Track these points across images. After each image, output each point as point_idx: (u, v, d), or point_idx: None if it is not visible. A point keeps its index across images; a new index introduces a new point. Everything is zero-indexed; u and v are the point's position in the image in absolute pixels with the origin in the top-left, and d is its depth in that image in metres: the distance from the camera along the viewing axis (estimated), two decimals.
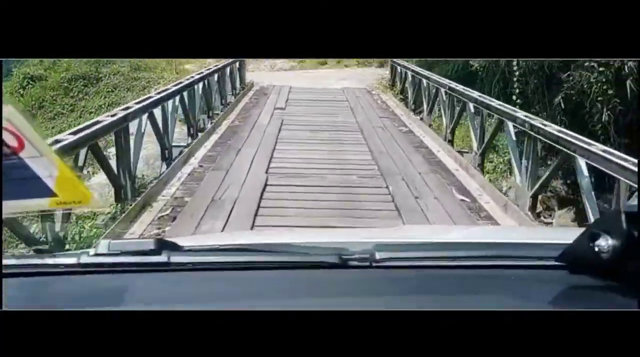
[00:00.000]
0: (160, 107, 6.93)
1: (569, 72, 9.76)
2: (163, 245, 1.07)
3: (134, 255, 1.04)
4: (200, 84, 9.29)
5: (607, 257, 0.86)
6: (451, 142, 8.62)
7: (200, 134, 8.55)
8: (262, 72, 17.50)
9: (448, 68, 12.18)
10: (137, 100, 6.57)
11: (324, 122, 10.43)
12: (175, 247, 1.09)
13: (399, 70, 13.97)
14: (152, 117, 6.53)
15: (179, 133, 8.19)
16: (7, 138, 0.69)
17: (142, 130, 6.23)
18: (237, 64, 13.29)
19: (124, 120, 5.52)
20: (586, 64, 9.43)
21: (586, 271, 0.95)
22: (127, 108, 5.91)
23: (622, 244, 0.84)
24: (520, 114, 6.25)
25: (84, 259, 1.03)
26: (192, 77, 9.16)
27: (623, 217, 0.83)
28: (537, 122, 5.74)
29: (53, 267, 1.04)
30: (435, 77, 10.29)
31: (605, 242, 0.86)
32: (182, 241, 1.21)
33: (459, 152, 8.12)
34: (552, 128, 5.44)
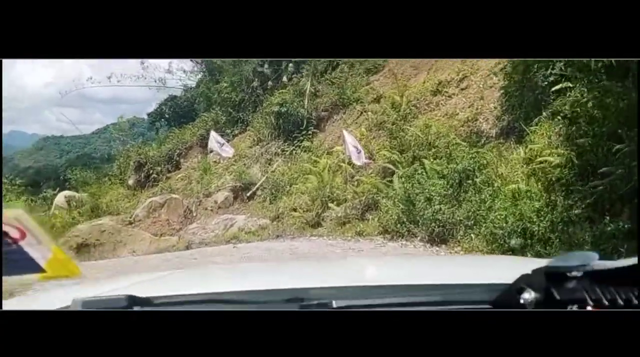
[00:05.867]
0: None
1: None
2: (134, 300, 0.99)
3: (106, 311, 0.96)
4: None
5: (530, 307, 0.87)
6: None
7: None
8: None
9: None
10: None
11: None
12: (146, 302, 1.02)
13: None
14: None
15: None
16: (11, 231, 0.80)
17: None
18: None
19: None
20: None
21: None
22: None
23: (541, 298, 0.86)
24: None
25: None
26: None
27: (544, 275, 0.86)
28: None
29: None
30: None
31: (528, 296, 0.88)
32: (152, 291, 1.15)
33: None
34: None
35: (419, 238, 7.81)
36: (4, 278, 0.82)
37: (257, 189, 13.53)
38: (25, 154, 62.08)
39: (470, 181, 7.75)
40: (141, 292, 1.05)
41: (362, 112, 13.66)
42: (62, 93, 22.71)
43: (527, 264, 1.04)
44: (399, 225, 8.24)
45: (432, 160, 9.23)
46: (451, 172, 7.91)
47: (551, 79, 8.50)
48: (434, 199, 7.73)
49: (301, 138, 14.18)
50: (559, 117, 7.19)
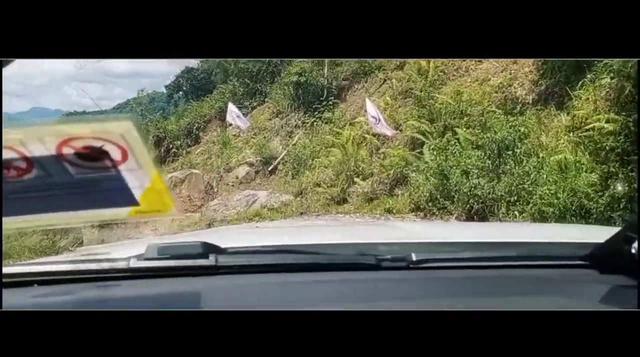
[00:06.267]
0: None
1: None
2: (210, 248, 0.95)
3: (182, 258, 0.94)
4: None
5: None
6: None
7: None
8: None
9: None
10: None
11: None
12: (221, 250, 0.97)
13: None
14: None
15: None
16: (112, 151, 0.65)
17: None
18: None
19: None
20: None
21: (619, 271, 0.84)
22: None
23: None
24: None
25: (134, 263, 0.94)
26: None
27: None
28: None
29: (104, 272, 0.94)
30: None
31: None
32: (226, 242, 1.09)
33: None
34: None
35: (454, 216, 7.16)
36: (96, 212, 0.71)
37: (279, 163, 12.96)
38: None
39: (510, 152, 7.02)
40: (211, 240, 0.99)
41: (384, 80, 12.87)
42: (77, 66, 22.25)
43: (612, 230, 0.94)
44: (430, 202, 7.58)
45: (465, 129, 8.49)
46: (489, 142, 7.17)
47: None
48: (471, 173, 7.02)
49: (322, 109, 13.48)
50: (623, 77, 6.34)
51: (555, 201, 5.53)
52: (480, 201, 6.73)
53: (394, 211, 8.08)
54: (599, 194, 5.31)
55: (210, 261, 0.92)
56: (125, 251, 1.00)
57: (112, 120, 0.64)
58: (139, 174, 0.68)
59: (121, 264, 0.93)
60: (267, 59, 16.49)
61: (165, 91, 25.50)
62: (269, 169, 13.07)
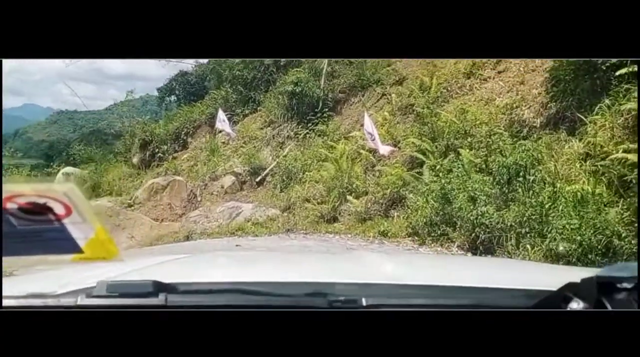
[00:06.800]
0: None
1: None
2: (160, 287, 0.96)
3: (131, 297, 0.93)
4: None
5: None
6: None
7: None
8: None
9: None
10: None
11: None
12: (171, 289, 0.98)
13: None
14: None
15: None
16: (56, 207, 0.74)
17: None
18: None
19: None
20: None
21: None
22: None
23: (591, 309, 0.78)
24: None
25: (81, 301, 0.94)
26: None
27: (596, 285, 0.78)
28: None
29: (50, 308, 0.95)
30: None
31: (576, 306, 0.80)
32: (179, 278, 1.13)
33: None
34: None
35: (456, 244, 6.41)
36: (38, 258, 0.78)
37: (267, 174, 12.17)
38: (39, 128, 61.19)
39: (520, 178, 6.30)
40: (161, 275, 1.00)
41: (382, 95, 12.20)
42: (67, 63, 21.30)
43: (571, 273, 0.97)
44: (427, 227, 6.81)
45: (468, 151, 7.78)
46: (499, 167, 6.45)
47: (614, 61, 7.01)
48: (478, 199, 6.28)
49: (316, 121, 12.76)
50: None
51: (579, 237, 4.78)
52: (488, 230, 5.97)
53: (389, 235, 7.30)
54: (633, 233, 4.58)
55: (160, 300, 0.92)
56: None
57: (56, 183, 0.72)
58: (83, 227, 0.76)
59: (69, 301, 0.93)
60: (263, 67, 15.83)
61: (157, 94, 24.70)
62: (257, 180, 12.27)
